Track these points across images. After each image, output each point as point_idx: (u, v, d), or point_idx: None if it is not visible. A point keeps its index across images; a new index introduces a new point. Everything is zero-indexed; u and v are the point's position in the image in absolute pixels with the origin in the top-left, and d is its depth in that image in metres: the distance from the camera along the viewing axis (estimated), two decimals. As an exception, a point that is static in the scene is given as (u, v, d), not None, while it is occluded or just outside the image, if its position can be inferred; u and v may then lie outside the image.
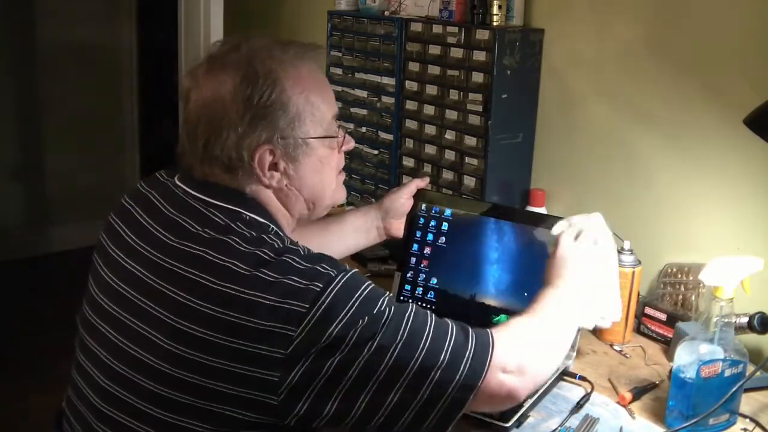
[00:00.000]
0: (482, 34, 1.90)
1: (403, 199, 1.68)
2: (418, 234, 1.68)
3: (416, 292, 1.67)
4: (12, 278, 3.87)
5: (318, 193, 1.25)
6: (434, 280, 1.65)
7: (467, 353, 1.09)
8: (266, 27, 3.10)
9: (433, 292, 1.65)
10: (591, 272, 1.32)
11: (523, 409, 1.31)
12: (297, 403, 1.05)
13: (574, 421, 1.32)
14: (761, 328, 1.44)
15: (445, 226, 1.65)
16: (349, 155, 2.33)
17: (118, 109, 4.37)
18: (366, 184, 2.30)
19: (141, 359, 1.11)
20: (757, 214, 1.60)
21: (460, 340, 1.10)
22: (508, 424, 1.27)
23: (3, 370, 3.04)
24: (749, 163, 1.59)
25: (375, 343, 1.05)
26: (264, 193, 1.20)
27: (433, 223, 1.67)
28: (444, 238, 1.65)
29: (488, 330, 1.14)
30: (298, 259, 1.09)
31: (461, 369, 1.08)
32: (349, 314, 1.04)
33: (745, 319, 1.45)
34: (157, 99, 4.24)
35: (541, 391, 1.37)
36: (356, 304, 1.05)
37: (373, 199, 2.24)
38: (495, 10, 1.91)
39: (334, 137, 1.24)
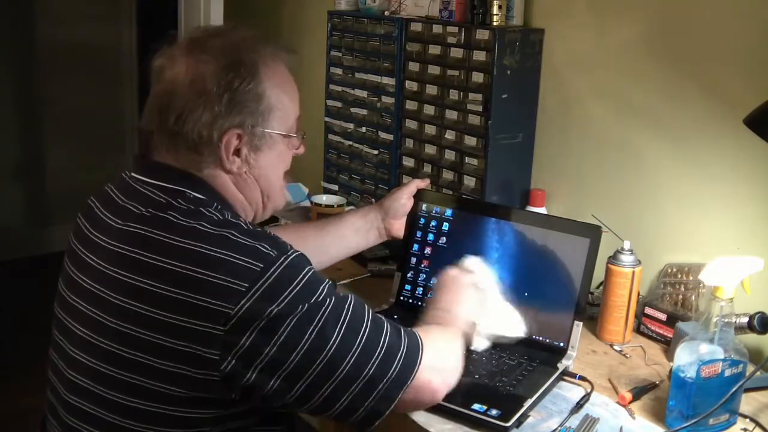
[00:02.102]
0: (482, 34, 1.90)
1: (403, 200, 1.68)
2: (419, 234, 1.68)
3: (416, 292, 1.67)
4: (12, 278, 3.87)
5: (272, 186, 1.29)
6: (434, 281, 1.65)
7: (401, 350, 1.14)
8: (266, 27, 3.09)
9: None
10: (470, 298, 1.41)
11: (523, 409, 1.31)
12: (238, 381, 1.07)
13: (574, 421, 1.32)
14: (761, 328, 1.45)
15: (445, 226, 1.66)
16: (349, 155, 2.34)
17: (118, 109, 4.37)
18: (366, 184, 2.30)
19: (94, 343, 1.13)
20: (757, 214, 1.60)
21: (394, 337, 1.15)
22: (508, 424, 1.26)
23: (3, 369, 3.04)
24: (749, 163, 1.59)
25: (314, 333, 1.07)
26: (221, 177, 1.22)
27: (433, 223, 1.67)
28: (444, 238, 1.65)
29: (414, 330, 1.21)
30: (238, 234, 1.10)
31: (395, 364, 1.13)
32: (288, 298, 1.06)
33: (745, 319, 1.45)
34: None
35: (541, 391, 1.37)
36: (296, 288, 1.07)
37: (373, 199, 2.24)
38: (495, 10, 1.91)
39: (293, 137, 1.28)
